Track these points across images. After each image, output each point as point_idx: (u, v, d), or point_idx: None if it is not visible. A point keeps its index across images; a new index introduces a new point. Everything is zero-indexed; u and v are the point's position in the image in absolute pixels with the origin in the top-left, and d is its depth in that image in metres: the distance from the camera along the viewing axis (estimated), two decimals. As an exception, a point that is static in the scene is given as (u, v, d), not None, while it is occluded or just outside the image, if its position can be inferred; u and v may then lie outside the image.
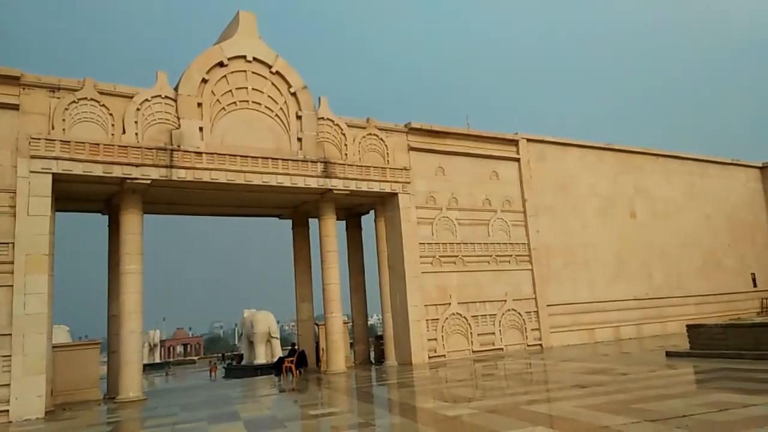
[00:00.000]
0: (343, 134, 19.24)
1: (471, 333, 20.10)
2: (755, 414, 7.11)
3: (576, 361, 15.89)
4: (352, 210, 22.34)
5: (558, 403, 9.59)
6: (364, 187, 19.10)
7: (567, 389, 10.74)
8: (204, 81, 17.05)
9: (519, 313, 21.13)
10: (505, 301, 20.89)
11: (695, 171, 27.61)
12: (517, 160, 22.70)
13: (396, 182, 19.75)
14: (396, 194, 19.81)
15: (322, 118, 19.02)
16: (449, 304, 19.87)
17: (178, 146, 16.16)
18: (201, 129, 16.72)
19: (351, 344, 22.87)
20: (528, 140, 23.21)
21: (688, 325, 14.87)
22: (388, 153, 19.90)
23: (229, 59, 17.50)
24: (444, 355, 19.39)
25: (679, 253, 25.83)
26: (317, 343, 21.66)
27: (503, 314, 20.79)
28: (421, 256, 19.77)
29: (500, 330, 20.65)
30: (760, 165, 29.98)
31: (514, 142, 22.78)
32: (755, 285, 27.86)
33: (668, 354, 14.87)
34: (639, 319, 23.84)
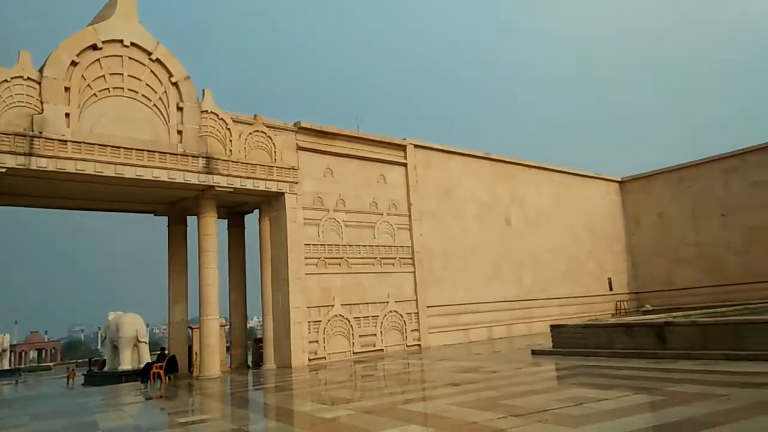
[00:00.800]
0: (228, 129, 18.58)
1: (353, 334, 20.23)
2: (606, 408, 7.77)
3: (451, 360, 16.52)
4: (235, 208, 21.63)
5: (432, 401, 9.89)
6: (249, 185, 18.56)
7: (441, 387, 11.11)
8: (74, 64, 15.67)
9: (400, 315, 21.62)
10: (388, 302, 21.28)
11: (561, 182, 29.91)
12: (405, 164, 23.24)
13: (283, 181, 19.41)
14: (282, 194, 19.47)
15: (206, 111, 18.25)
16: (332, 305, 19.86)
17: (40, 133, 14.71)
18: (67, 115, 15.34)
19: (228, 348, 22.12)
20: (415, 146, 23.85)
21: (551, 325, 16.02)
22: (275, 151, 19.51)
23: (103, 42, 16.23)
24: (324, 357, 19.34)
25: (546, 258, 27.82)
26: (190, 347, 20.67)
27: (385, 316, 21.16)
28: (306, 258, 19.58)
29: (381, 331, 21.00)
30: (620, 179, 33.11)
31: (402, 147, 23.30)
32: (611, 289, 30.69)
33: (534, 352, 15.91)
34: (510, 319, 25.36)
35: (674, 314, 16.30)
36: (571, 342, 15.02)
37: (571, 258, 29.04)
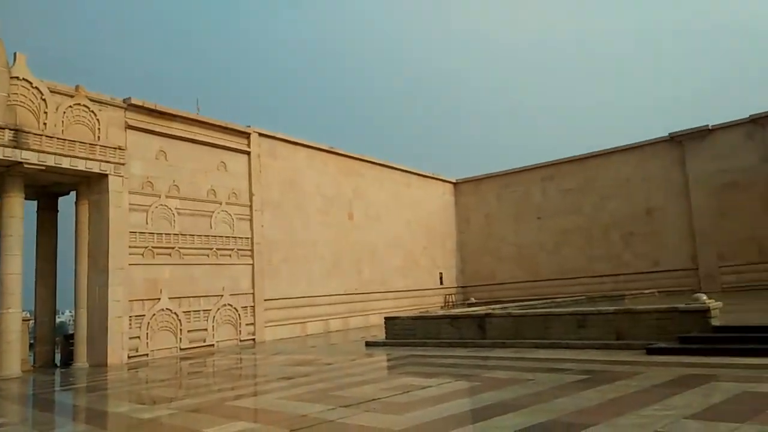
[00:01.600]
0: (44, 100, 16.39)
1: (181, 330, 19.03)
2: (430, 395, 8.14)
3: (285, 353, 16.30)
4: (48, 189, 19.17)
5: (263, 396, 9.62)
6: (65, 163, 16.54)
7: (273, 382, 10.86)
8: None
9: (235, 309, 20.83)
10: (222, 295, 20.38)
11: (401, 181, 31.13)
12: (248, 153, 22.42)
13: (107, 162, 17.60)
14: (106, 175, 17.66)
15: (17, 77, 15.93)
16: (159, 299, 18.49)
17: None
18: None
19: (31, 345, 19.59)
20: (260, 134, 23.14)
21: (385, 318, 16.54)
22: (99, 128, 17.62)
23: None
24: (147, 354, 17.96)
25: (385, 252, 28.75)
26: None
27: (218, 309, 20.24)
28: (130, 247, 17.97)
29: (214, 326, 20.04)
30: (454, 181, 35.29)
31: (246, 135, 22.46)
32: (442, 283, 32.65)
33: (368, 344, 16.30)
34: (347, 312, 25.78)
35: (494, 307, 17.73)
36: (403, 333, 15.63)
37: (407, 253, 30.34)
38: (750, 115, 25.41)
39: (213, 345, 19.83)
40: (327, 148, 26.55)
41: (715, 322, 10.67)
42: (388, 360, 13.06)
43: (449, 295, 32.67)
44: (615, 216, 29.10)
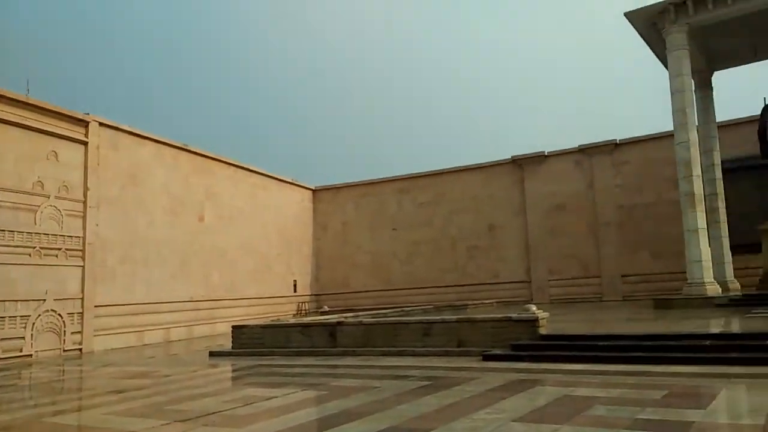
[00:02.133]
0: None
1: (-8, 338, 16.64)
2: (274, 405, 7.86)
3: (118, 365, 14.94)
4: None
5: (88, 411, 8.68)
6: None
7: (102, 396, 9.85)
8: None
9: (60, 315, 18.68)
10: (45, 300, 18.18)
11: (259, 184, 30.32)
12: (85, 143, 20.33)
13: None
14: None
15: None
16: (-35, 302, 16.02)
17: None
18: None
19: None
20: (101, 124, 21.12)
21: (233, 326, 15.86)
22: None
23: None
24: (-52, 367, 15.43)
25: (237, 257, 27.72)
26: None
27: (39, 316, 18.01)
28: (-70, 241, 15.37)
29: (33, 334, 17.79)
30: (313, 188, 35.15)
31: (84, 123, 20.37)
32: (295, 290, 32.25)
33: (212, 354, 15.49)
34: (192, 320, 24.36)
35: (347, 315, 17.83)
36: (251, 342, 15.08)
37: (261, 259, 29.54)
38: (579, 145, 28.49)
39: (31, 355, 17.58)
40: (179, 145, 25.02)
41: (542, 331, 11.65)
42: (233, 371, 12.50)
43: (303, 303, 32.36)
44: (462, 230, 30.90)
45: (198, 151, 26.14)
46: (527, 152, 29.80)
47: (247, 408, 7.79)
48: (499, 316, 12.48)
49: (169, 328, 23.14)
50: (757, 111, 19.96)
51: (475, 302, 25.87)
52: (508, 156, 30.30)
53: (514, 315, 12.00)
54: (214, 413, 7.50)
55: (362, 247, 33.42)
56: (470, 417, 6.40)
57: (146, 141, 23.38)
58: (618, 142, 27.61)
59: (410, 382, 9.13)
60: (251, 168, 29.77)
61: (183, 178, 25.06)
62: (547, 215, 28.85)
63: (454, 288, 30.41)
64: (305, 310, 31.90)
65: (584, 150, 28.31)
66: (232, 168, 28.38)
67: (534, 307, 12.01)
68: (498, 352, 11.33)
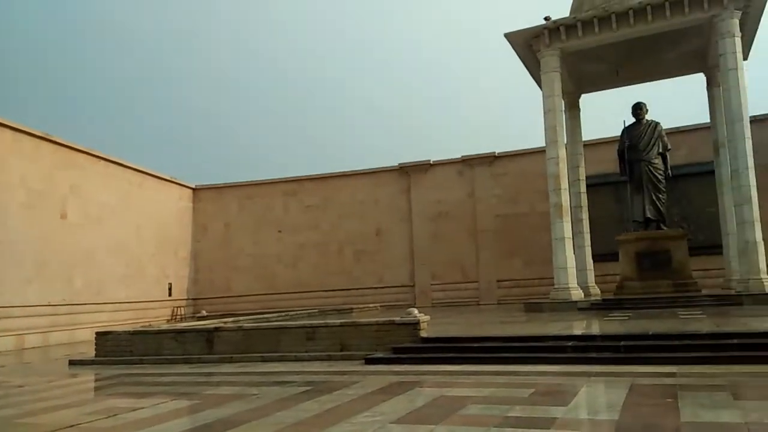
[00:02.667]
0: None
1: None
2: (141, 417, 7.29)
3: (-42, 377, 13.17)
4: None
5: None
6: None
7: (-69, 414, 8.59)
8: None
9: None
10: None
11: (134, 180, 28.39)
12: (-77, 125, 17.85)
13: None
14: None
15: None
16: None
17: None
18: None
19: None
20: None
21: (97, 333, 14.61)
22: None
23: None
24: None
25: (105, 259, 25.68)
26: None
27: None
28: None
29: None
30: (194, 186, 33.54)
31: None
32: (170, 294, 30.52)
33: (72, 362, 14.17)
34: (50, 326, 22.16)
35: (226, 320, 17.13)
36: (118, 350, 13.98)
37: (133, 260, 27.61)
38: (462, 156, 29.75)
39: None
40: (40, 134, 22.73)
41: (423, 334, 11.91)
42: (96, 380, 11.49)
43: (178, 307, 30.70)
44: (349, 234, 31.02)
45: (63, 142, 23.92)
46: (414, 160, 30.61)
47: (110, 420, 7.17)
48: (383, 319, 12.60)
49: (24, 334, 20.88)
50: (618, 132, 21.98)
51: (361, 306, 26.04)
52: (395, 163, 30.93)
53: (396, 318, 12.16)
54: (72, 426, 6.83)
55: (245, 249, 32.43)
56: (349, 421, 6.33)
57: (3, 128, 21.01)
58: (497, 154, 29.20)
59: (291, 387, 8.90)
60: (125, 163, 27.78)
61: (45, 171, 22.80)
62: (431, 222, 29.79)
63: (340, 292, 30.42)
64: (181, 315, 30.30)
65: (466, 160, 29.61)
66: (103, 162, 26.31)
67: (416, 311, 12.25)
68: (380, 355, 11.41)
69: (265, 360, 12.35)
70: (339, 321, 13.19)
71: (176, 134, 60.81)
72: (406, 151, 60.87)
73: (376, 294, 29.56)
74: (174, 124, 60.11)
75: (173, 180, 31.93)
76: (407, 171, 30.58)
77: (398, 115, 58.66)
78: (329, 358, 11.96)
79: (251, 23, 59.78)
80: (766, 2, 18.09)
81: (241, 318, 18.14)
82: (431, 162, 30.33)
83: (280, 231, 32.07)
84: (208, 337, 13.38)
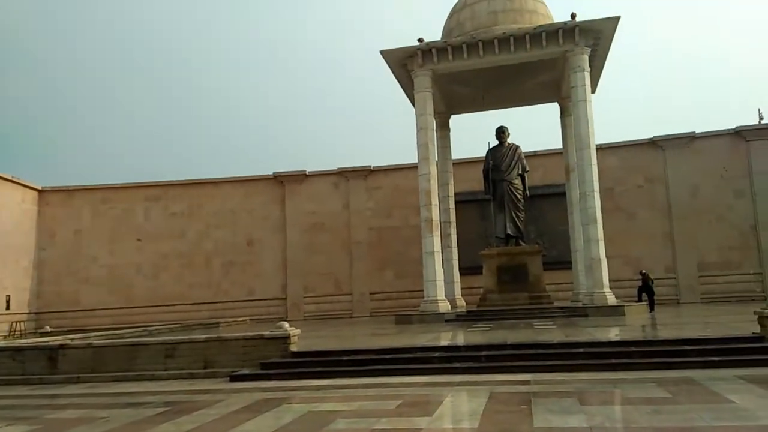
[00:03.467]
0: None
1: None
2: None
3: None
4: None
5: None
6: None
7: None
8: None
9: None
10: None
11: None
12: None
13: None
14: None
15: None
16: None
17: None
18: None
19: None
20: None
21: None
22: None
23: None
24: None
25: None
26: None
27: None
28: None
29: None
30: (40, 188, 30.27)
31: None
32: (8, 308, 27.19)
33: None
34: None
35: (73, 336, 15.53)
36: (-63, 373, 12.09)
37: (-37, 270, 24.22)
38: (338, 168, 29.87)
39: None
40: None
41: (293, 348, 11.64)
42: None
43: (17, 322, 27.35)
44: (218, 244, 29.75)
45: None
46: (289, 170, 30.18)
47: None
48: (251, 334, 12.14)
49: None
50: (483, 153, 23.31)
51: (229, 320, 24.98)
52: (270, 171, 30.28)
53: (266, 333, 11.77)
54: None
55: (99, 259, 29.82)
56: (210, 443, 5.94)
57: None
58: (372, 168, 29.70)
59: (146, 409, 8.22)
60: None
61: None
62: (306, 233, 29.49)
63: (207, 305, 29.01)
64: (20, 330, 27.01)
65: (342, 173, 29.77)
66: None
67: (287, 325, 11.95)
68: (247, 371, 10.96)
69: (117, 380, 11.35)
70: (203, 336, 12.51)
71: (24, 130, 54.78)
72: (281, 161, 59.73)
73: (246, 307, 28.57)
74: (22, 119, 54.12)
75: (15, 180, 28.57)
76: (282, 180, 30.07)
77: (274, 124, 57.69)
78: (191, 377, 11.27)
79: (124, 23, 55.79)
80: (611, 42, 20.27)
81: (91, 334, 16.55)
82: (307, 172, 30.10)
83: (139, 239, 29.92)
84: (52, 355, 12.03)
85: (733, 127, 26.11)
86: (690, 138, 26.52)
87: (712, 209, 25.85)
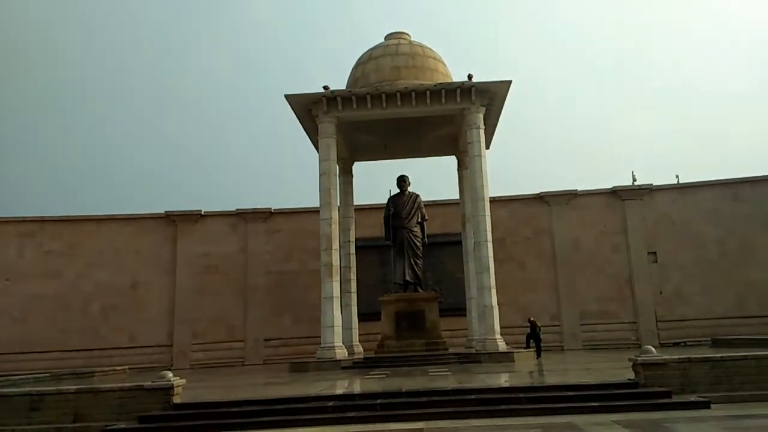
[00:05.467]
0: None
1: None
2: None
3: None
4: None
5: None
6: None
7: None
8: None
9: None
10: None
11: None
12: None
13: None
14: None
15: None
16: None
17: None
18: None
19: None
20: None
21: None
22: None
23: None
24: None
25: None
26: None
27: None
28: None
29: None
30: None
31: None
32: None
33: None
34: None
35: None
36: None
37: None
38: (236, 209, 29.04)
39: None
40: None
41: (177, 400, 10.86)
42: None
43: None
44: (99, 286, 27.55)
45: None
46: (183, 209, 28.92)
47: None
48: (129, 384, 11.22)
49: None
50: (385, 200, 23.72)
51: (106, 369, 22.93)
52: (161, 210, 28.83)
53: (146, 383, 10.93)
54: None
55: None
56: None
57: None
58: (273, 210, 29.17)
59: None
60: None
61: None
62: (198, 276, 28.12)
63: (82, 352, 26.57)
64: None
65: (241, 214, 28.97)
66: None
67: (170, 374, 11.16)
68: (123, 425, 10.09)
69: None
70: (74, 387, 11.38)
71: None
72: (173, 199, 56.67)
73: (127, 355, 26.44)
74: None
75: None
76: (175, 220, 28.67)
77: (167, 161, 55.28)
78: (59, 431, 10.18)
79: None
80: (504, 102, 21.68)
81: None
82: (202, 212, 28.96)
83: (7, 279, 27.09)
84: None
85: (610, 186, 28.55)
86: (572, 195, 28.61)
87: (593, 261, 27.80)
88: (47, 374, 20.22)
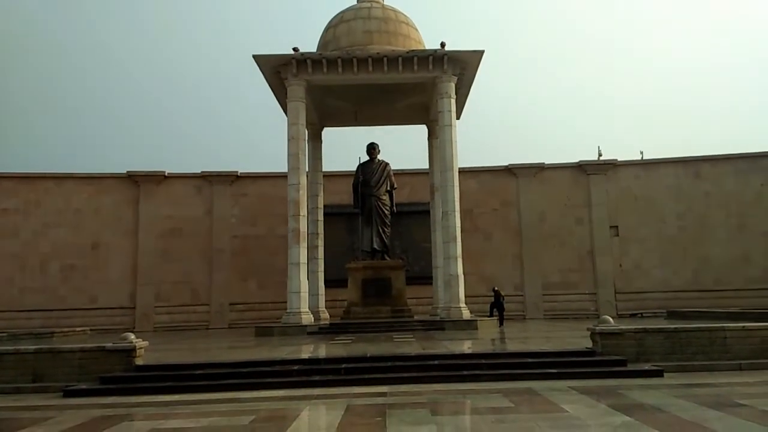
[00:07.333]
0: None
1: None
2: None
3: None
4: None
5: None
6: None
7: None
8: None
9: None
10: None
11: None
12: None
13: None
14: None
15: None
16: None
17: None
18: None
19: None
20: None
21: None
22: None
23: None
24: None
25: None
26: None
27: None
28: None
29: None
30: None
31: None
32: None
33: None
34: None
35: None
36: None
37: None
38: (201, 171, 28.48)
39: None
40: None
41: (139, 361, 10.77)
42: None
43: None
44: (57, 246, 26.87)
45: None
46: (146, 169, 28.22)
47: None
48: (90, 345, 11.08)
49: None
50: (354, 167, 23.56)
51: (66, 330, 22.55)
52: (123, 170, 28.07)
53: (108, 345, 10.78)
54: None
55: None
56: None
57: None
58: (239, 174, 28.71)
59: (-48, 432, 7.09)
60: None
61: None
62: (161, 238, 27.65)
63: (40, 313, 26.05)
64: None
65: (206, 177, 28.44)
66: None
67: (132, 336, 11.02)
68: (84, 386, 9.97)
69: None
70: (33, 347, 11.16)
71: None
72: (136, 160, 54.80)
73: (88, 316, 26.00)
74: None
75: None
76: (137, 180, 27.97)
77: (129, 117, 53.62)
78: (18, 391, 10.08)
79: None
80: (476, 72, 21.57)
81: None
82: (166, 174, 28.31)
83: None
84: None
85: (577, 161, 28.97)
86: (540, 168, 28.95)
87: (557, 234, 28.36)
88: (4, 334, 19.80)
